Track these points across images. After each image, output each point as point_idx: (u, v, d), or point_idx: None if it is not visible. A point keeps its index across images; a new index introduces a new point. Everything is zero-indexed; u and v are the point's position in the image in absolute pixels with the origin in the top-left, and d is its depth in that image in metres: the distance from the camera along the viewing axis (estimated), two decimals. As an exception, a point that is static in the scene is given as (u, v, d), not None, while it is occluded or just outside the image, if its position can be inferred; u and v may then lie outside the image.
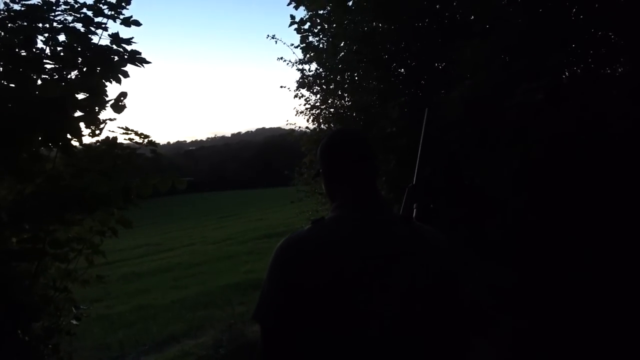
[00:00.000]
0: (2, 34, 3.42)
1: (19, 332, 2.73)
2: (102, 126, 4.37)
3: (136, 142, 4.12)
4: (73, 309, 3.41)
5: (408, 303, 1.28)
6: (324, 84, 5.75)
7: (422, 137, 2.11)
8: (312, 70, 5.92)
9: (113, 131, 4.28)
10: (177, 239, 22.73)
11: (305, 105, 6.08)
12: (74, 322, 3.36)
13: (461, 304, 1.38)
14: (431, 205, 1.85)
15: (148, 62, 3.35)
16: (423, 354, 1.29)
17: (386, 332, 1.25)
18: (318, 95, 5.92)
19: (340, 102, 5.87)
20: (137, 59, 3.29)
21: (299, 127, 6.25)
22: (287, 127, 6.48)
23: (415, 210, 1.84)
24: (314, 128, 6.01)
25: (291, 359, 1.28)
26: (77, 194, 2.45)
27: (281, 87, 6.33)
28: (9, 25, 3.40)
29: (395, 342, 1.25)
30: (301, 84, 6.03)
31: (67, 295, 4.39)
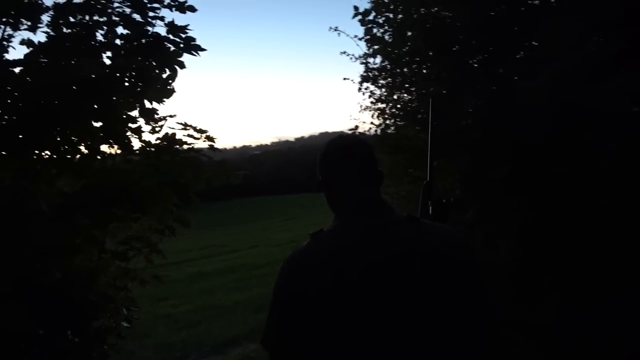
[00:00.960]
0: (64, 29, 3.38)
1: (70, 332, 2.59)
2: (161, 123, 4.35)
3: (194, 137, 4.03)
4: (124, 310, 3.26)
5: (419, 306, 1.20)
6: (389, 77, 5.41)
7: (430, 129, 1.97)
8: (376, 64, 5.60)
9: (172, 128, 4.22)
10: (242, 240, 23.10)
11: (370, 99, 5.77)
12: (125, 324, 3.22)
13: (478, 308, 1.27)
14: (444, 200, 1.75)
15: (203, 50, 3.18)
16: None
17: (397, 337, 1.18)
18: (383, 89, 5.60)
19: (406, 96, 5.51)
20: (192, 46, 3.13)
21: (363, 122, 5.95)
22: (351, 124, 6.18)
23: (430, 207, 1.74)
24: (379, 124, 5.68)
25: None
26: (125, 188, 2.29)
27: (344, 79, 6.04)
28: (70, 19, 3.36)
29: (408, 348, 1.18)
30: (365, 78, 5.71)
31: (126, 294, 4.35)
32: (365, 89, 5.81)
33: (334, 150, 1.43)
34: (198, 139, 3.98)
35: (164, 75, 3.60)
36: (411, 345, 1.19)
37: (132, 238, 4.25)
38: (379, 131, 5.62)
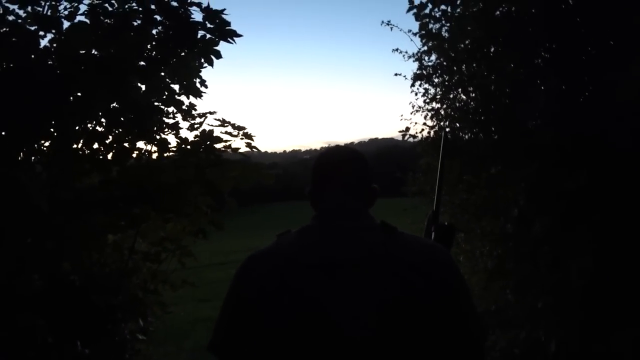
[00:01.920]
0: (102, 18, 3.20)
1: (80, 342, 2.35)
2: (200, 120, 4.13)
3: (231, 135, 3.79)
4: (140, 320, 3.01)
5: (368, 313, 1.14)
6: (445, 74, 4.95)
7: (440, 162, 1.89)
8: (431, 61, 5.16)
9: (211, 125, 3.99)
10: (287, 244, 23.03)
11: (423, 98, 5.32)
12: (140, 336, 2.96)
13: (449, 333, 1.17)
14: (447, 224, 1.67)
15: (239, 35, 2.89)
16: None
17: (342, 345, 1.13)
18: (438, 89, 5.15)
19: (463, 97, 5.04)
20: (227, 32, 2.84)
21: (415, 123, 5.52)
22: (402, 128, 5.76)
23: (433, 232, 1.65)
24: (433, 126, 5.22)
25: None
26: (141, 185, 2.02)
27: (396, 74, 5.60)
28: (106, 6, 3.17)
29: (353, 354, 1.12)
30: (419, 76, 5.28)
31: (156, 297, 4.14)
32: (420, 85, 5.36)
33: (324, 160, 1.42)
34: (236, 136, 3.73)
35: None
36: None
37: (165, 239, 4.07)
38: (432, 133, 5.17)
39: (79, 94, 2.25)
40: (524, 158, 3.59)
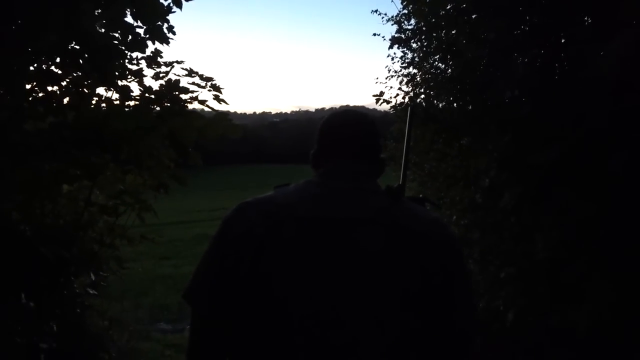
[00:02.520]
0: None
1: (25, 295, 2.19)
2: (166, 69, 3.90)
3: (199, 86, 3.60)
4: (92, 275, 2.86)
5: (366, 279, 1.06)
6: (424, 39, 4.82)
7: (406, 137, 1.79)
8: (411, 24, 5.00)
9: (178, 75, 3.79)
10: (254, 205, 23.12)
11: (400, 62, 5.19)
12: (91, 291, 2.82)
13: (445, 313, 1.10)
14: (420, 196, 1.58)
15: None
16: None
17: (334, 312, 1.04)
18: (415, 54, 5.02)
19: (441, 65, 4.93)
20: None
21: (390, 87, 5.38)
22: (376, 93, 5.63)
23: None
24: (408, 92, 5.12)
25: (223, 351, 1.13)
26: (96, 131, 1.84)
27: (374, 34, 5.43)
28: None
29: (346, 327, 1.04)
30: (396, 40, 5.13)
31: (113, 252, 3.98)
32: (398, 48, 5.21)
33: (335, 122, 1.33)
34: (203, 87, 3.54)
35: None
36: (346, 314, 1.05)
37: (124, 192, 3.88)
38: (407, 99, 5.07)
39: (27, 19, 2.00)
40: (497, 129, 3.54)
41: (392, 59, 5.68)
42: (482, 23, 3.65)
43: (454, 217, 3.83)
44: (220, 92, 3.52)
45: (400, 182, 1.62)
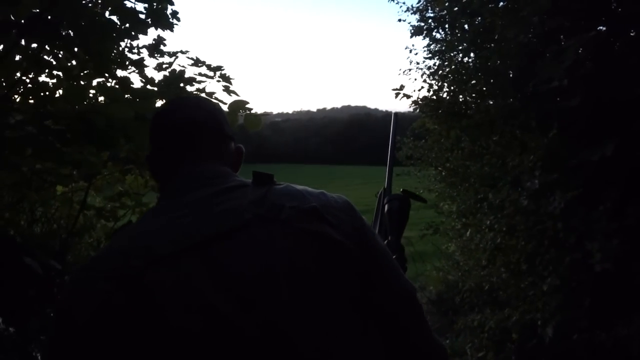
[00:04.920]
0: None
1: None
2: (169, 60, 3.57)
3: (207, 76, 3.27)
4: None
5: (263, 297, 0.78)
6: (448, 28, 4.45)
7: (390, 143, 1.70)
8: (434, 12, 4.62)
9: (183, 67, 3.45)
10: (256, 206, 22.91)
11: (425, 52, 4.80)
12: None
13: (376, 293, 0.88)
14: (402, 190, 1.49)
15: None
16: None
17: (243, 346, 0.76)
18: (439, 45, 4.64)
19: (465, 59, 4.56)
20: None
21: (415, 79, 4.99)
22: (399, 74, 5.27)
23: (387, 204, 1.47)
24: (431, 85, 4.74)
25: None
26: (84, 119, 1.48)
27: (399, 20, 5.04)
28: None
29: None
30: (418, 30, 4.75)
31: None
32: (422, 38, 4.81)
33: (173, 119, 1.02)
34: (212, 77, 3.19)
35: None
36: None
37: (124, 194, 3.53)
38: (431, 93, 4.68)
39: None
40: (540, 123, 3.16)
41: (410, 50, 5.30)
42: (525, 3, 3.28)
43: (488, 222, 3.46)
44: (230, 83, 3.16)
45: (385, 186, 1.52)
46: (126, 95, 2.72)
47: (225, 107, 2.05)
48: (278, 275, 0.79)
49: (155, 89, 2.87)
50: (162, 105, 1.14)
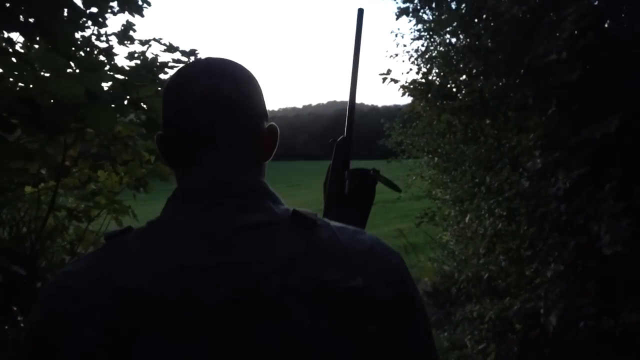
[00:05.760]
0: None
1: None
2: (142, 49, 3.37)
3: (181, 62, 3.09)
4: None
5: None
6: (435, 8, 4.26)
7: (354, 54, 1.20)
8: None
9: (157, 55, 3.25)
10: (244, 205, 22.92)
11: (411, 34, 4.61)
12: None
13: None
14: (371, 171, 1.14)
15: None
16: None
17: None
18: (427, 25, 4.46)
19: (453, 39, 4.39)
20: None
21: (403, 61, 4.80)
22: (386, 58, 5.12)
23: (347, 181, 1.13)
24: (419, 67, 4.57)
25: None
26: (28, 101, 1.26)
27: None
28: None
29: None
30: (404, 11, 4.56)
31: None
32: (410, 16, 4.61)
33: (184, 84, 0.75)
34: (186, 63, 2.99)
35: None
36: None
37: (96, 193, 3.30)
38: (420, 75, 4.50)
39: None
40: (537, 101, 2.99)
41: (396, 35, 5.12)
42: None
43: (486, 207, 3.27)
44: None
45: (345, 134, 1.22)
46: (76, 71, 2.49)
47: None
48: None
49: (126, 77, 2.65)
50: (178, 70, 0.80)
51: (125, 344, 0.59)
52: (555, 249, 2.85)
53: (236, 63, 0.80)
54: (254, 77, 0.81)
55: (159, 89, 1.84)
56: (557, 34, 2.73)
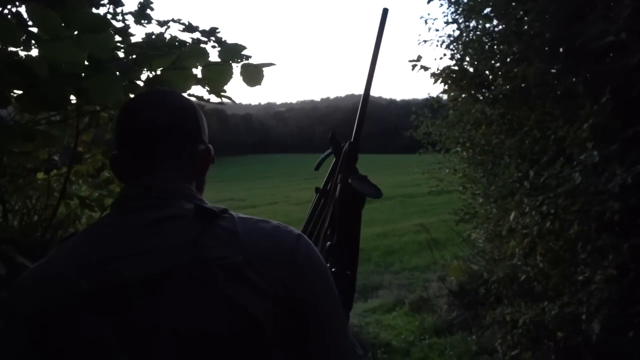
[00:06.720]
0: None
1: None
2: (161, 30, 3.18)
3: (199, 41, 2.89)
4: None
5: None
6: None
7: (375, 45, 1.24)
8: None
9: (175, 37, 3.06)
10: (261, 196, 22.53)
11: (447, 14, 4.33)
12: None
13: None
14: (358, 175, 1.19)
15: None
16: None
17: None
18: (460, 8, 4.18)
19: (487, 25, 4.11)
20: None
21: (437, 45, 4.51)
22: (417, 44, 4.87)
23: (340, 185, 1.19)
24: (453, 53, 4.29)
25: None
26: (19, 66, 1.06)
27: None
28: None
29: None
30: (436, -6, 4.26)
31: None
32: (438, 8, 4.35)
33: (128, 114, 0.95)
34: (205, 43, 2.79)
35: None
36: None
37: (111, 181, 3.13)
38: (453, 62, 4.23)
39: None
40: (588, 88, 2.71)
41: (426, 21, 4.85)
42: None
43: (532, 203, 2.98)
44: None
45: (352, 139, 1.27)
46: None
47: (216, 57, 1.61)
48: (188, 340, 0.75)
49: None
50: (128, 100, 1.00)
51: (55, 322, 0.76)
52: (607, 251, 2.58)
53: (177, 95, 0.99)
54: (193, 108, 0.98)
55: (175, 62, 1.63)
56: (615, 13, 2.45)
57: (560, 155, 2.70)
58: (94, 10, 2.91)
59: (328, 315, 0.84)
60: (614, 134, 2.56)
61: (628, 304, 2.81)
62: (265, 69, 1.54)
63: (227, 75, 1.49)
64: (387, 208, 14.73)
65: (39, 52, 1.09)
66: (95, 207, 3.12)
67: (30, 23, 1.86)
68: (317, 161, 1.38)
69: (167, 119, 0.93)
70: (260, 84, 1.51)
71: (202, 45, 2.68)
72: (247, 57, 1.52)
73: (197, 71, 1.83)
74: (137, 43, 2.42)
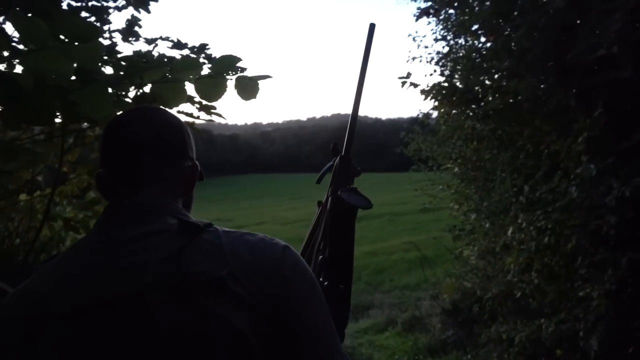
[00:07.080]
0: None
1: None
2: (148, 48, 3.15)
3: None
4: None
5: None
6: (457, 7, 4.00)
7: (362, 60, 1.25)
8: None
9: (162, 54, 3.02)
10: (249, 216, 22.31)
11: (433, 34, 4.36)
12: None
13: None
14: (349, 186, 1.20)
15: None
16: None
17: None
18: (449, 24, 4.20)
19: (475, 42, 4.14)
20: None
21: (427, 62, 4.52)
22: (407, 62, 4.92)
23: (330, 196, 1.20)
24: (443, 70, 4.31)
25: None
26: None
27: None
28: None
29: None
30: (425, 11, 4.30)
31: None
32: (430, 17, 4.36)
33: (113, 130, 0.94)
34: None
35: None
36: None
37: (97, 202, 3.04)
38: (443, 78, 4.23)
39: None
40: (580, 102, 2.72)
41: (414, 38, 4.87)
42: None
43: (528, 219, 2.95)
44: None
45: (343, 153, 1.31)
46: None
47: (207, 70, 1.55)
48: (171, 355, 0.74)
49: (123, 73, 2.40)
50: (114, 117, 0.99)
51: (38, 343, 0.74)
52: (605, 266, 2.55)
53: (163, 112, 0.99)
54: (179, 124, 0.97)
55: (167, 75, 1.57)
56: (607, 26, 2.46)
57: (554, 169, 2.69)
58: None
59: (315, 323, 0.83)
60: (608, 147, 2.55)
61: (627, 319, 2.78)
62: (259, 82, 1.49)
63: (222, 88, 1.43)
64: (375, 226, 14.66)
65: (23, 64, 1.03)
66: (80, 228, 3.02)
67: (15, 39, 1.79)
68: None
69: (153, 135, 0.93)
70: (255, 97, 1.45)
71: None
72: (242, 69, 1.47)
73: (190, 87, 1.78)
74: (126, 56, 2.37)
